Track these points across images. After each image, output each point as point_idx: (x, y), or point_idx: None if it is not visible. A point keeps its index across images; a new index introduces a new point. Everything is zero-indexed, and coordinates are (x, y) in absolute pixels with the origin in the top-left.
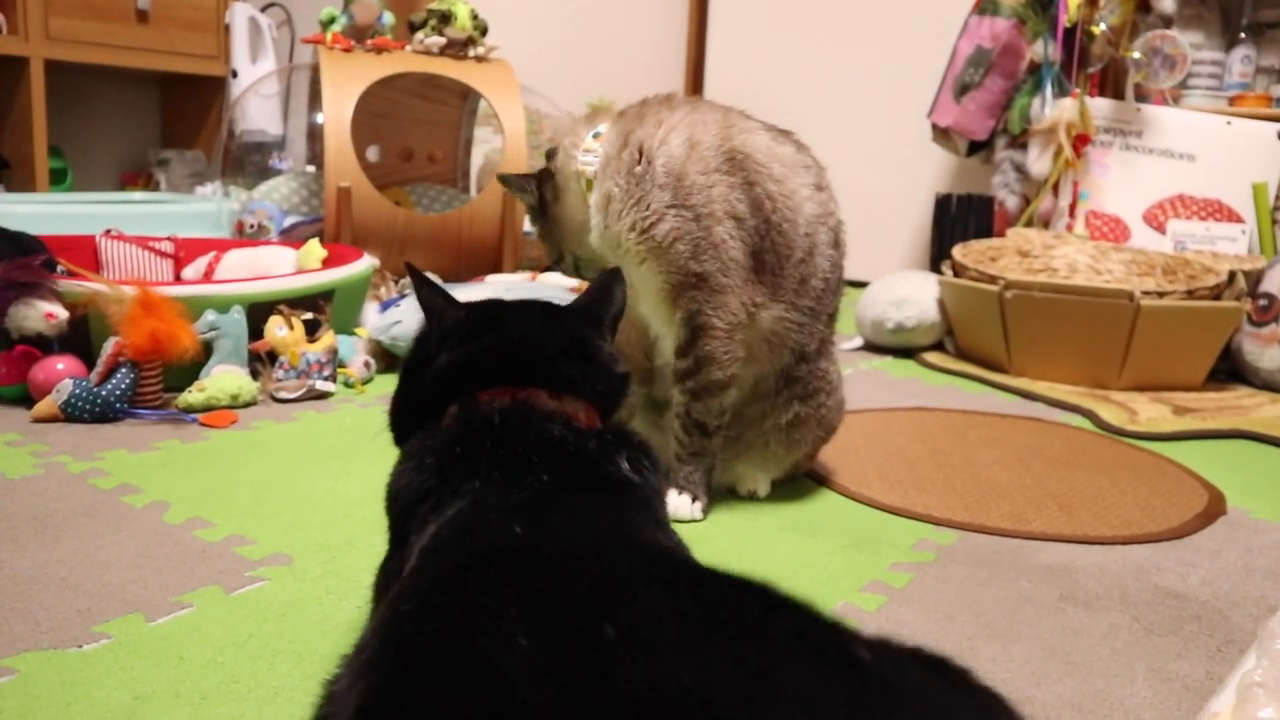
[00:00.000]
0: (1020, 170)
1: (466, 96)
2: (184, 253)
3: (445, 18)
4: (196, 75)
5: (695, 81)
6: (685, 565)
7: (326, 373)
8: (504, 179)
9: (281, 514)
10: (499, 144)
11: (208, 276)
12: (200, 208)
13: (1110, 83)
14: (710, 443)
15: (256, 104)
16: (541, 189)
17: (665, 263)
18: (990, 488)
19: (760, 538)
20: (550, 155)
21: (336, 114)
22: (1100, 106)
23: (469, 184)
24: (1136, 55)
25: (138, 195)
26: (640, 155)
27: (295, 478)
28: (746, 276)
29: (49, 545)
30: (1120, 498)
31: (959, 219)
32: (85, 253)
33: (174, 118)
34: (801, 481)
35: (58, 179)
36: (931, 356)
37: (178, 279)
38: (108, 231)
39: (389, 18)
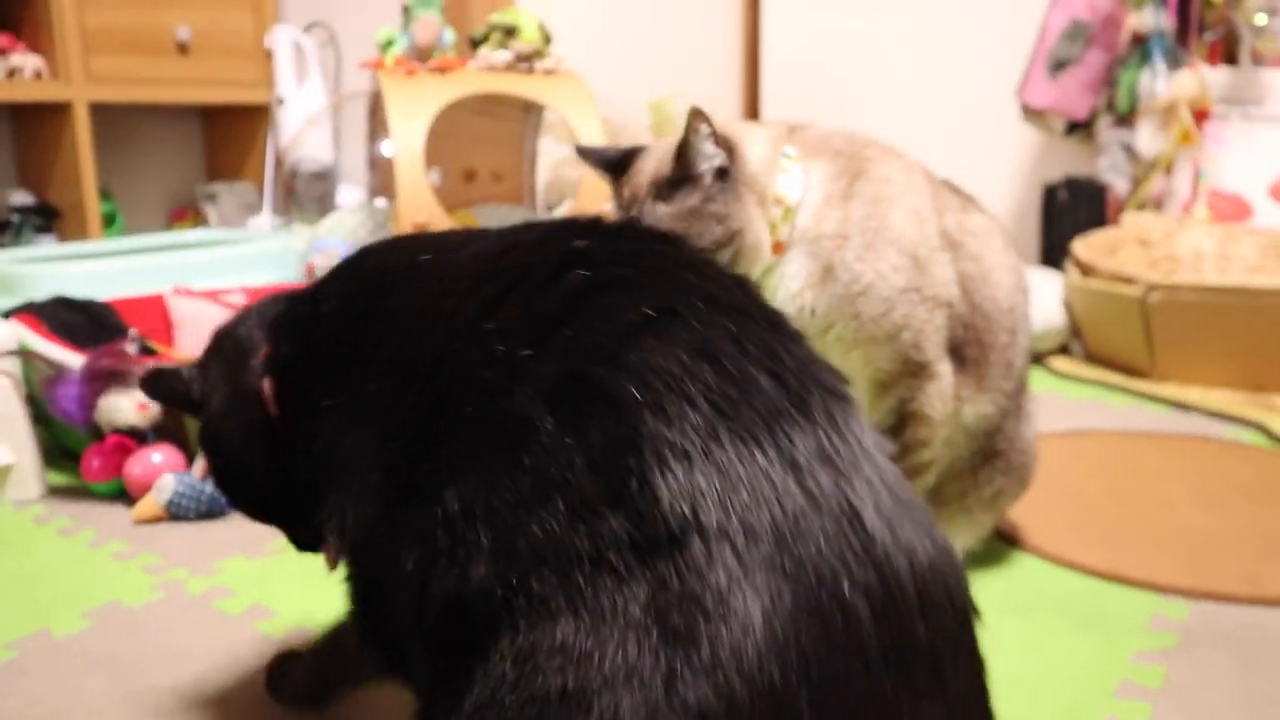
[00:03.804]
0: (1129, 151)
1: (530, 109)
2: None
3: (510, 31)
4: (240, 104)
5: (751, 56)
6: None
7: None
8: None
9: None
10: (563, 154)
11: None
12: (262, 247)
13: (1221, 50)
14: None
15: (307, 131)
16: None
17: (888, 351)
18: (1200, 537)
19: None
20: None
21: (407, 144)
22: (1215, 76)
23: (535, 200)
24: (1263, 19)
25: (193, 235)
26: (873, 221)
27: None
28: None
29: (204, 707)
30: None
31: (1068, 208)
32: (155, 314)
33: (218, 149)
34: (990, 541)
35: (107, 222)
36: (1061, 364)
37: None
38: (176, 288)
39: (450, 35)
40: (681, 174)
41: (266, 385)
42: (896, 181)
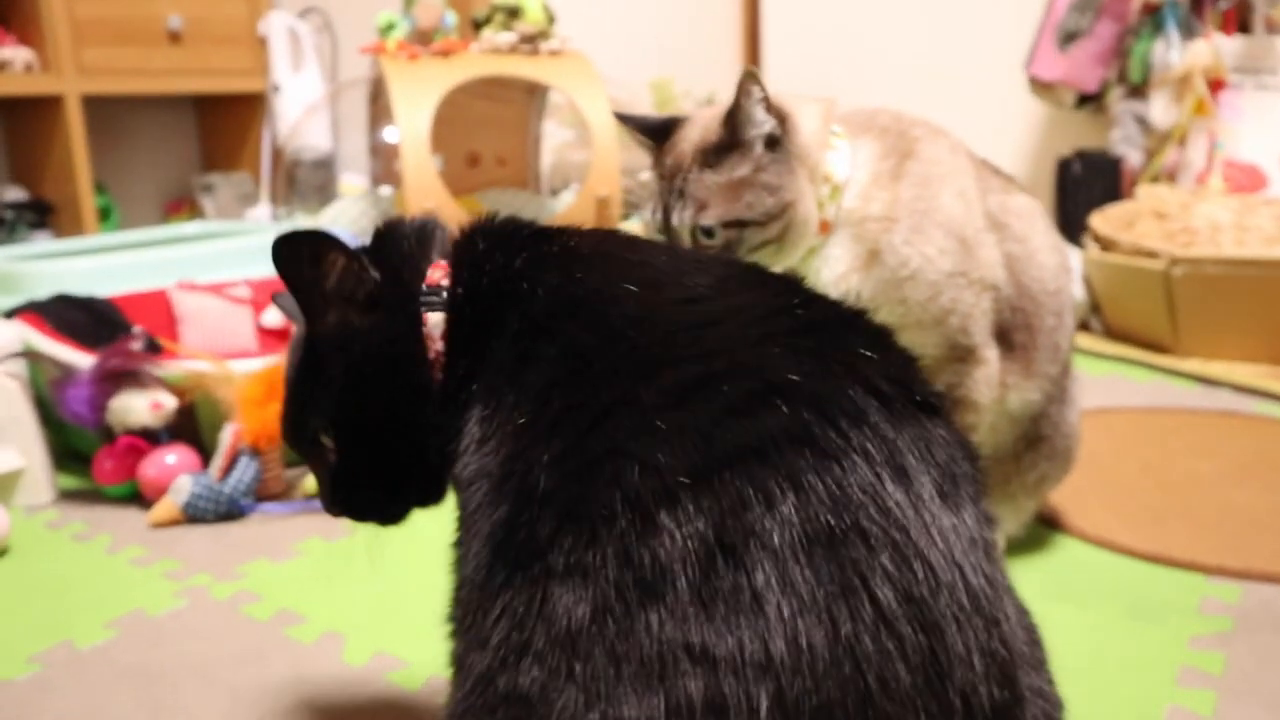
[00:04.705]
0: (1142, 123)
1: (534, 91)
2: (260, 296)
3: (514, 12)
4: (235, 93)
5: (751, 33)
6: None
7: None
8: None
9: None
10: (566, 138)
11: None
12: (265, 239)
13: (1235, 19)
14: None
15: (306, 119)
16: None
17: (935, 336)
18: (1237, 515)
19: None
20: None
21: (413, 129)
22: (1228, 45)
23: (540, 185)
24: None
25: (192, 228)
26: (921, 203)
27: None
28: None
29: (232, 716)
30: None
31: (1083, 181)
32: (160, 310)
33: (213, 139)
34: (1032, 525)
35: (102, 217)
36: (1083, 339)
37: (258, 328)
38: (179, 283)
39: (452, 18)
40: (730, 140)
41: (433, 320)
42: (945, 162)
